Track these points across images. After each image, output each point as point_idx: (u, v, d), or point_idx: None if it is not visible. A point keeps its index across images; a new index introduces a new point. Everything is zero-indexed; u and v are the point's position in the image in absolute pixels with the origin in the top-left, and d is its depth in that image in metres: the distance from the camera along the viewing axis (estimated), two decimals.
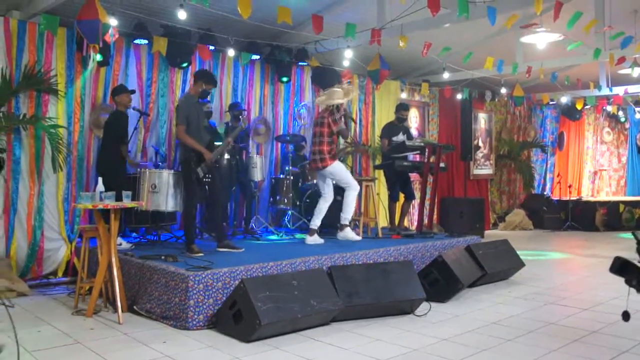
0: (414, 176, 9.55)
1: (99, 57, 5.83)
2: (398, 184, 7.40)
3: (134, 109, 6.13)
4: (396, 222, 7.54)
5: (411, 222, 10.08)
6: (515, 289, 5.85)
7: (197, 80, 5.52)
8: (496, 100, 11.81)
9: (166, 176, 5.64)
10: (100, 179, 4.77)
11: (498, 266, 6.08)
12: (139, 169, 5.90)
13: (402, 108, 7.56)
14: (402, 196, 7.50)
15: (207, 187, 5.51)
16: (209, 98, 6.41)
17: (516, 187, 12.76)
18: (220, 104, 7.47)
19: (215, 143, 5.91)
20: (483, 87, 10.87)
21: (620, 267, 2.29)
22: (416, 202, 10.12)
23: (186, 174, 5.41)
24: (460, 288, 5.34)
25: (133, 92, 6.03)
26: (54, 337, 4.02)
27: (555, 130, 13.72)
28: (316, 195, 7.26)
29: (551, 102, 12.04)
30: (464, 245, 6.18)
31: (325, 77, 8.40)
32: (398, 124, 7.52)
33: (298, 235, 6.92)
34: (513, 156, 12.48)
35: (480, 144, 11.83)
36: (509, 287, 5.95)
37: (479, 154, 11.80)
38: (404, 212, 7.56)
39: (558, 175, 13.27)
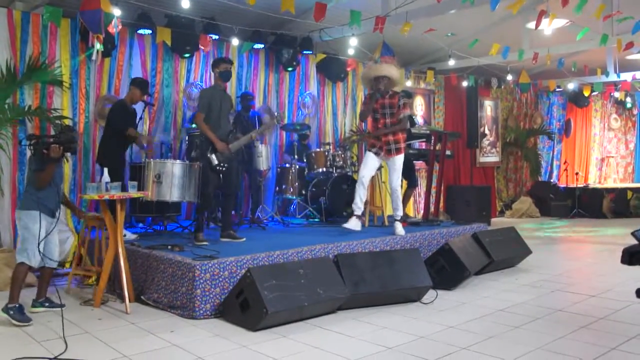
0: (420, 164, 9.54)
1: (98, 46, 5.77)
2: (403, 171, 7.36)
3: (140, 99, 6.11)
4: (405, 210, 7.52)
5: (417, 210, 10.08)
6: (522, 276, 5.84)
7: (213, 69, 5.55)
8: (502, 87, 11.73)
9: (170, 166, 5.63)
10: (105, 170, 4.77)
11: (505, 253, 6.07)
12: (144, 159, 5.89)
13: (404, 96, 7.48)
14: (404, 183, 7.47)
15: (221, 175, 5.47)
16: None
17: (523, 174, 12.71)
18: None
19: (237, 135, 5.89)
20: (489, 74, 10.78)
21: (630, 257, 2.31)
22: (422, 190, 10.14)
23: (202, 162, 5.41)
24: (467, 275, 5.33)
25: (148, 95, 5.97)
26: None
27: (562, 117, 13.64)
28: (322, 184, 7.28)
29: (558, 89, 11.95)
30: (471, 232, 6.16)
31: (330, 66, 8.38)
32: None
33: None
34: (519, 143, 12.42)
35: (487, 131, 11.77)
36: (515, 274, 5.94)
37: (485, 142, 11.75)
38: (406, 200, 7.54)
39: (565, 163, 13.21)
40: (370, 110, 5.89)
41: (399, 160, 5.87)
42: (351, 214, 5.91)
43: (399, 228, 5.90)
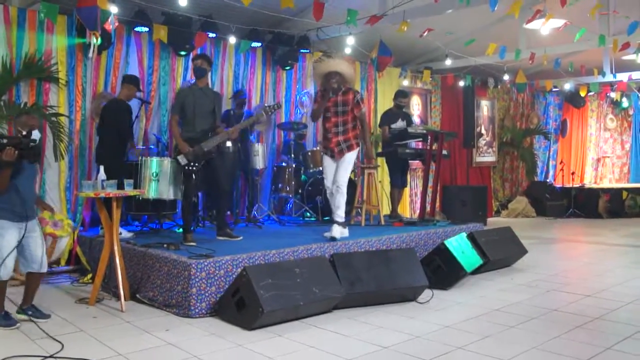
0: (416, 163, 9.55)
1: (96, 41, 5.73)
2: (399, 171, 7.38)
3: (136, 97, 6.09)
4: (398, 210, 7.52)
5: (413, 209, 10.08)
6: (517, 276, 5.84)
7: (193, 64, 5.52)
8: (499, 87, 11.75)
9: (167, 164, 5.62)
10: (101, 167, 4.75)
11: (501, 253, 6.07)
12: (141, 157, 5.87)
13: (400, 95, 7.48)
14: (387, 182, 7.48)
15: (194, 175, 5.39)
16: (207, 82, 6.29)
17: (519, 174, 12.73)
18: (221, 91, 7.42)
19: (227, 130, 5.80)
20: (486, 74, 10.79)
21: None
22: (418, 189, 10.15)
23: (175, 163, 5.39)
24: (462, 275, 5.33)
25: (140, 91, 5.96)
26: (57, 325, 4.02)
27: (558, 117, 13.66)
28: (318, 183, 7.26)
29: (554, 89, 11.98)
30: (467, 232, 6.16)
31: None
32: (397, 111, 7.46)
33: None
34: (516, 143, 12.44)
35: (483, 131, 11.78)
36: (511, 274, 5.94)
37: (482, 141, 11.76)
38: (399, 199, 7.53)
39: (561, 163, 13.23)
40: (322, 109, 5.53)
41: (349, 156, 5.51)
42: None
43: (335, 230, 5.43)
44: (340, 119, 5.49)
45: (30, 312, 4.10)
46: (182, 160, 5.27)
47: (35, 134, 3.99)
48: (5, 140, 3.75)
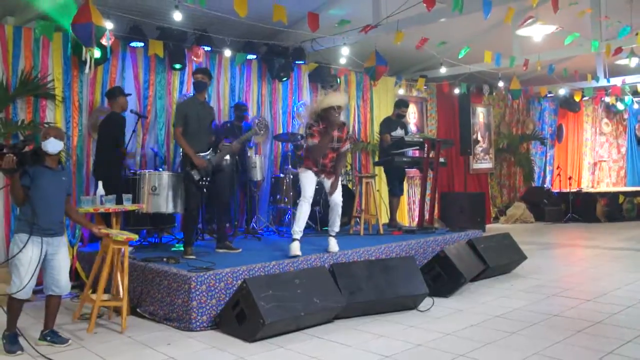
0: (413, 172, 9.58)
1: (97, 54, 5.76)
2: (397, 179, 7.40)
3: (131, 111, 6.13)
4: (397, 218, 7.55)
5: (412, 217, 10.10)
6: (517, 282, 5.86)
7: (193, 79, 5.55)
8: (494, 93, 11.80)
9: (166, 178, 5.64)
10: (100, 183, 4.77)
11: (500, 259, 6.08)
12: (138, 172, 5.88)
13: (402, 104, 7.55)
14: (385, 191, 7.50)
15: (205, 190, 5.47)
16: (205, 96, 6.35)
17: (516, 180, 12.78)
18: (217, 104, 7.45)
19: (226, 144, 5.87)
20: (480, 81, 10.86)
21: None
22: (417, 197, 10.17)
23: (184, 177, 5.41)
24: (462, 282, 5.35)
25: (129, 94, 6.02)
26: None
27: (554, 122, 13.72)
28: (316, 194, 7.26)
29: (549, 95, 12.05)
30: (466, 239, 6.19)
31: (322, 75, 8.41)
32: (396, 120, 7.51)
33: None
34: (512, 149, 12.49)
35: (479, 138, 11.83)
36: (511, 280, 5.96)
37: (478, 148, 11.80)
38: (396, 208, 7.55)
39: (558, 168, 13.28)
40: (326, 146, 5.32)
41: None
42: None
43: (332, 243, 5.43)
44: (335, 154, 5.45)
45: (49, 338, 3.93)
46: (195, 175, 5.29)
47: (57, 145, 3.83)
48: (4, 149, 3.62)
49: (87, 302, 4.60)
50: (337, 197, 5.44)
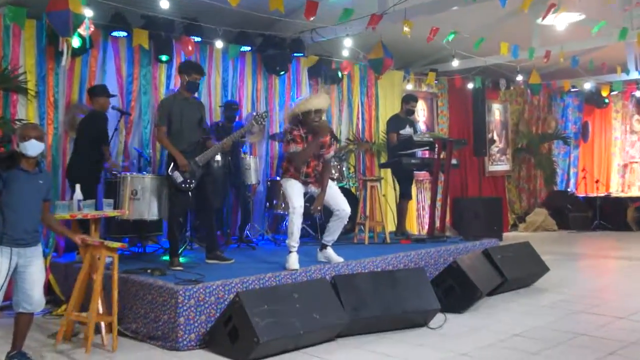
0: (423, 174, 9.56)
1: (77, 43, 5.73)
2: (406, 182, 7.38)
3: (113, 107, 6.12)
4: (406, 225, 7.53)
5: (421, 225, 10.07)
6: (539, 296, 5.83)
7: (180, 73, 5.52)
8: (511, 88, 11.80)
9: (148, 181, 5.62)
10: (77, 186, 4.75)
11: (519, 271, 6.06)
12: (119, 174, 5.87)
13: (411, 99, 7.56)
14: (397, 194, 7.50)
15: (190, 194, 5.43)
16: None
17: (537, 183, 12.75)
18: (209, 100, 7.44)
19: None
20: (497, 75, 10.85)
21: None
22: (426, 203, 10.15)
23: (167, 180, 5.39)
24: (478, 297, 5.32)
25: (113, 95, 6.00)
26: None
27: (579, 120, 13.70)
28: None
29: (573, 89, 12.02)
30: (481, 249, 6.16)
31: (323, 69, 8.41)
32: (404, 117, 7.50)
33: None
34: (532, 150, 12.47)
35: (496, 137, 11.82)
36: (532, 294, 5.93)
37: (494, 149, 11.79)
38: (405, 213, 7.54)
39: (583, 170, 13.25)
40: (310, 154, 5.27)
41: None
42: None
43: (333, 253, 5.46)
44: (317, 161, 5.39)
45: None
46: (177, 177, 5.27)
47: (38, 147, 3.76)
48: None
49: (71, 318, 4.55)
50: (346, 206, 5.42)
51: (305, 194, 5.44)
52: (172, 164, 5.30)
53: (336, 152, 6.04)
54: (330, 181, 5.53)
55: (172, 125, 5.33)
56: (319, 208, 5.43)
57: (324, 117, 5.47)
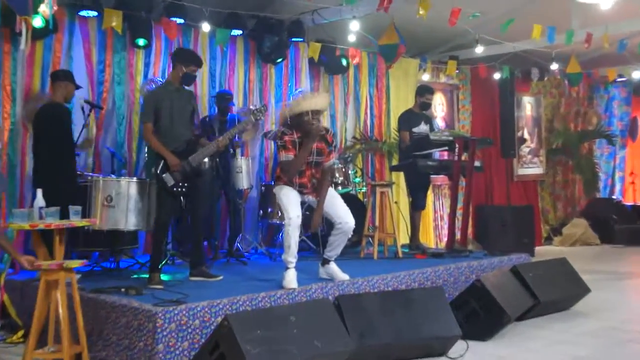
0: (441, 179, 9.57)
1: (39, 23, 5.75)
2: (421, 188, 7.40)
3: (85, 101, 6.12)
4: (421, 237, 7.55)
5: (440, 237, 10.08)
6: (579, 322, 5.83)
7: (174, 62, 5.55)
8: (545, 79, 11.81)
9: (125, 186, 5.64)
10: (39, 191, 4.75)
11: (555, 293, 6.06)
12: (89, 178, 5.87)
13: (426, 91, 7.56)
14: (408, 203, 7.52)
15: (182, 198, 5.46)
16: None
17: (575, 190, 12.75)
18: (195, 91, 7.40)
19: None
20: (528, 63, 10.88)
21: None
22: (445, 211, 10.16)
23: (156, 182, 5.41)
24: (505, 322, 5.32)
25: (79, 87, 5.99)
26: None
27: (626, 115, 13.68)
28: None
29: (620, 79, 12.01)
30: (509, 266, 6.17)
31: (326, 56, 8.42)
32: (419, 112, 7.52)
33: None
34: (570, 150, 12.47)
35: (526, 135, 11.84)
36: (570, 320, 5.93)
37: (525, 149, 11.81)
38: (418, 224, 7.55)
39: (631, 174, 13.25)
40: (304, 162, 5.30)
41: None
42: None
43: (337, 269, 5.50)
44: (313, 170, 5.40)
45: None
46: (169, 180, 5.29)
47: None
48: None
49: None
50: (349, 218, 5.39)
51: (302, 203, 5.46)
52: (163, 163, 5.31)
53: (340, 154, 6.04)
54: (330, 188, 5.54)
55: (160, 121, 5.35)
56: (319, 222, 5.42)
57: (323, 120, 5.45)
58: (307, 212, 7.37)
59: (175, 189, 5.32)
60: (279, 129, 5.46)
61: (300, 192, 5.38)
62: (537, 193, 12.21)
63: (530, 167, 12.02)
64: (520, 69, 11.22)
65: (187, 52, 5.85)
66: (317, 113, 5.28)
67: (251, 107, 6.98)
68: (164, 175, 5.30)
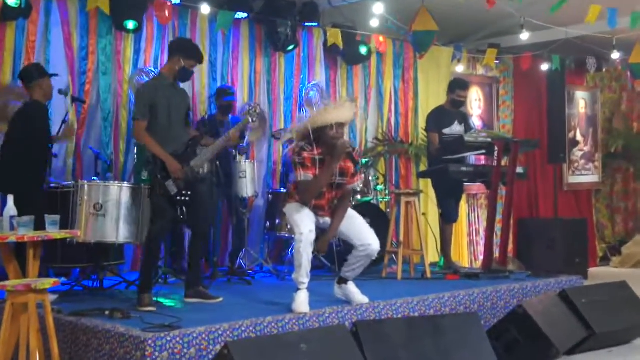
0: (477, 187, 9.55)
1: (11, 1, 5.79)
2: (453, 197, 7.40)
3: (60, 92, 6.12)
4: (453, 255, 7.55)
5: (475, 255, 10.05)
6: None
7: (172, 53, 5.58)
8: (604, 70, 11.74)
9: (116, 192, 5.66)
10: (10, 198, 4.79)
11: (613, 322, 6.01)
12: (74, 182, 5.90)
13: (457, 86, 7.55)
14: (436, 215, 7.53)
15: (183, 208, 5.47)
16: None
17: (637, 202, 12.66)
18: (192, 89, 7.46)
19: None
20: (583, 51, 10.82)
21: None
22: (482, 225, 10.13)
23: (158, 189, 5.42)
24: (553, 355, 5.32)
25: (54, 75, 6.01)
26: None
27: None
28: None
29: None
30: (557, 290, 6.15)
31: (344, 43, 8.42)
32: (452, 110, 7.52)
33: None
34: (631, 155, 12.39)
35: (579, 137, 11.79)
36: (632, 354, 5.91)
37: (577, 153, 11.77)
38: (449, 239, 7.55)
39: None
40: (325, 184, 5.33)
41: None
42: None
43: (355, 291, 5.52)
44: (334, 193, 5.44)
45: None
46: (172, 187, 5.33)
47: None
48: None
49: None
50: (374, 241, 5.40)
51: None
52: (163, 168, 5.33)
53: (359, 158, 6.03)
54: (350, 209, 5.56)
55: (157, 120, 5.38)
56: (325, 248, 5.44)
57: (346, 134, 5.48)
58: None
59: (178, 198, 5.36)
60: (296, 144, 5.46)
61: (315, 214, 5.40)
62: (592, 205, 12.16)
63: (584, 175, 11.96)
64: (573, 58, 11.16)
65: (189, 43, 5.88)
66: (341, 126, 5.30)
67: (247, 107, 7.01)
68: (167, 182, 5.32)
